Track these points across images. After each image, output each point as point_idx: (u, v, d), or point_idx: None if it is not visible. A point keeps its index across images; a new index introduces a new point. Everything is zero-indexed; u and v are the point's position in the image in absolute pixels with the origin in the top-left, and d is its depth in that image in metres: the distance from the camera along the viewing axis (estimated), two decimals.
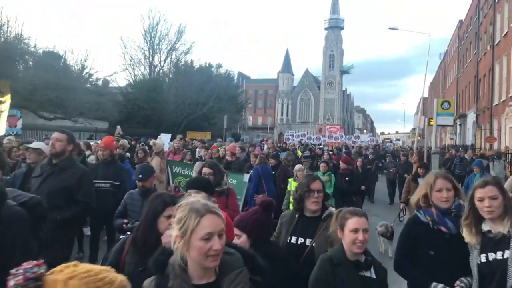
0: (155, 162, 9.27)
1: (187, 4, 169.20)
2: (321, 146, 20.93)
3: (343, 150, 20.72)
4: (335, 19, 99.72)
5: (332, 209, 3.66)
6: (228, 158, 10.16)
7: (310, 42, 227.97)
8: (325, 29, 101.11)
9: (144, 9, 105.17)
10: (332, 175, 9.69)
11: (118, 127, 14.25)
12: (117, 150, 10.09)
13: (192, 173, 8.83)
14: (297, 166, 9.01)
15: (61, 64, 35.36)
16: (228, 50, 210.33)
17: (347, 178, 9.27)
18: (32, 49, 27.51)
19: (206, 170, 4.96)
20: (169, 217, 2.68)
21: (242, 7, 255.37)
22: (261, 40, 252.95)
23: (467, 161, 17.32)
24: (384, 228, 8.48)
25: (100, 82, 41.75)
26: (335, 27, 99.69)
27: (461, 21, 45.49)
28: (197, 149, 12.73)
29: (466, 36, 41.24)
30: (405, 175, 11.74)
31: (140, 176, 5.16)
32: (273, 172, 10.11)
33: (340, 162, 9.76)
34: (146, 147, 10.62)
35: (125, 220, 4.69)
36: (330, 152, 17.92)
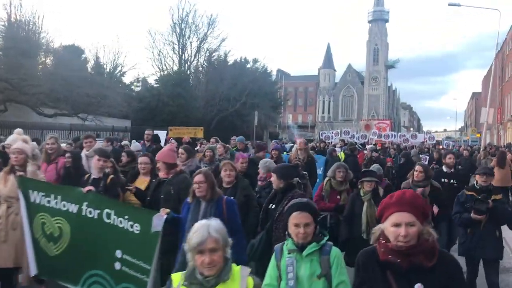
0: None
1: None
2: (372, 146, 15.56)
3: (401, 152, 15.32)
4: (379, 11, 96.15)
5: None
6: (161, 175, 5.36)
7: (353, 36, 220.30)
8: (369, 22, 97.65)
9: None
10: None
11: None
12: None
13: (70, 207, 4.78)
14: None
15: (93, 61, 33.34)
16: (266, 46, 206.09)
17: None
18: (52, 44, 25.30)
19: None
20: None
21: (279, 1, 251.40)
22: (300, 35, 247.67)
23: None
24: None
25: (140, 83, 39.56)
26: (379, 19, 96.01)
27: None
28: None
29: None
30: None
31: None
32: (272, 206, 4.83)
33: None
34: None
35: None
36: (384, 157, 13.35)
